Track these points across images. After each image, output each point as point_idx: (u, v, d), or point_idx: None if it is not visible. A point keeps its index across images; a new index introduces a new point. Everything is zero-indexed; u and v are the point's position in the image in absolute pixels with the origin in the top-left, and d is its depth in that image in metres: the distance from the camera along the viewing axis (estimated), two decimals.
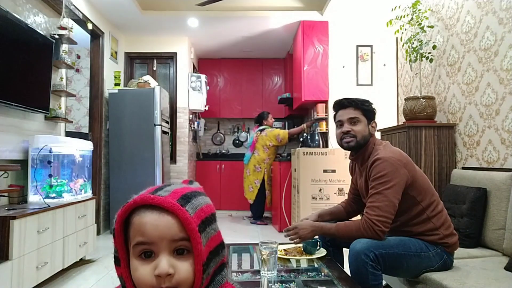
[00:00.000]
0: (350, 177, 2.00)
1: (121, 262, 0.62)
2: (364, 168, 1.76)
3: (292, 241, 1.77)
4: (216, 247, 0.63)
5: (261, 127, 4.96)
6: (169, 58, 5.16)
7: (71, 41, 3.28)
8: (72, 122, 4.71)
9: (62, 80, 3.37)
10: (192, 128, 5.49)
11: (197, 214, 0.60)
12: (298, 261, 1.72)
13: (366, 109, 1.76)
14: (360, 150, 1.78)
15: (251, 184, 4.88)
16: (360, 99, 1.80)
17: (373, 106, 1.81)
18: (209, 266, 0.61)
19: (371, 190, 1.62)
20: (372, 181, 1.63)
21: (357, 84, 4.32)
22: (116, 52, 4.67)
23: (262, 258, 1.46)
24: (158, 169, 4.23)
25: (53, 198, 2.75)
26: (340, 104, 1.80)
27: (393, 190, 1.57)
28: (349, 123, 1.75)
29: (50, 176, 2.78)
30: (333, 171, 3.75)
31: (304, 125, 4.77)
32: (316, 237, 1.82)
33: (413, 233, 1.67)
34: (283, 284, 1.38)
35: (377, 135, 3.45)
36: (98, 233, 4.02)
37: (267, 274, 1.45)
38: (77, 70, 5.70)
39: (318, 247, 1.78)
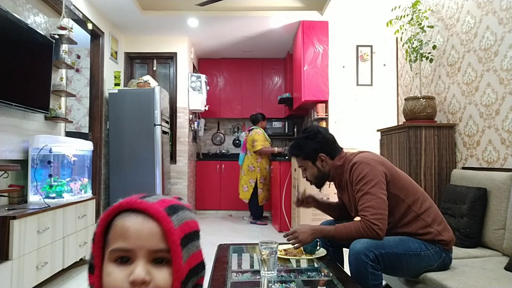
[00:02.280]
0: None
1: (95, 270, 0.58)
2: (345, 182, 1.79)
3: (293, 246, 1.78)
4: (196, 266, 0.60)
5: (252, 127, 5.02)
6: (169, 58, 5.16)
7: (71, 41, 3.28)
8: (72, 122, 4.71)
9: (62, 80, 3.37)
10: (192, 128, 5.48)
11: (181, 227, 0.58)
12: (298, 261, 1.72)
13: (303, 155, 1.81)
14: (328, 177, 1.84)
15: (246, 184, 4.90)
16: (296, 143, 1.83)
17: (311, 140, 1.78)
18: (187, 285, 0.58)
19: (358, 194, 1.64)
20: (355, 185, 1.66)
21: (357, 84, 4.32)
22: (116, 52, 4.67)
23: (262, 258, 1.46)
24: (158, 169, 4.23)
25: (53, 198, 2.75)
26: None
27: (378, 187, 1.60)
28: (302, 170, 1.89)
29: (50, 176, 2.78)
30: None
31: (275, 149, 4.86)
32: None
33: (407, 233, 1.67)
34: (283, 284, 1.37)
35: (377, 135, 3.47)
36: None
37: (267, 274, 1.45)
38: (77, 70, 5.70)
39: (318, 247, 1.78)
